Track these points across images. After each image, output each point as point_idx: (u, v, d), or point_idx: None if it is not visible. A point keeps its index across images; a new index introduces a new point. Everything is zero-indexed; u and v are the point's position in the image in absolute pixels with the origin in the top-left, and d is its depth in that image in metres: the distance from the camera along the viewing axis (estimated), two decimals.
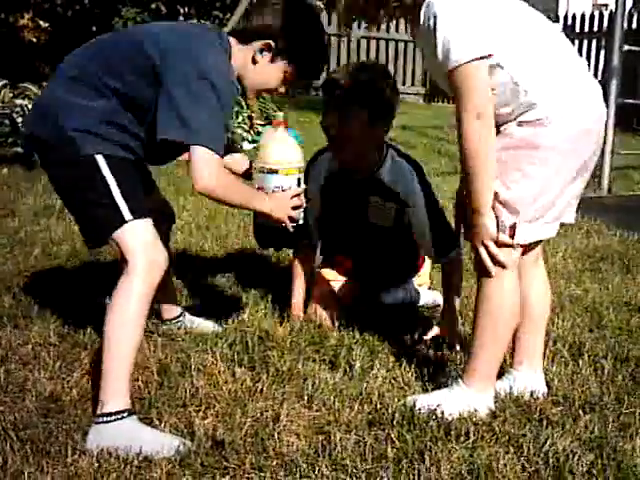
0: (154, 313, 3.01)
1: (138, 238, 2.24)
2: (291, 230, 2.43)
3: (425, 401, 2.34)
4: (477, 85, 2.14)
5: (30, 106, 6.46)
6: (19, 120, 6.44)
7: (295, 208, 2.40)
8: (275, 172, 2.40)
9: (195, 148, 2.14)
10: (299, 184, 2.44)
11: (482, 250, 2.26)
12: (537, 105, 2.18)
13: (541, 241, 2.43)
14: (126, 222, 2.23)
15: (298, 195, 2.42)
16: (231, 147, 2.80)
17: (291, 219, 2.40)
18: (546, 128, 2.17)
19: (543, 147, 2.18)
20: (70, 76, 2.30)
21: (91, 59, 2.31)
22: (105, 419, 2.12)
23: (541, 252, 2.53)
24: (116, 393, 2.16)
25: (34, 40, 6.73)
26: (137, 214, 2.26)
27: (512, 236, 2.23)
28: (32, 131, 2.38)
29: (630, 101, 7.13)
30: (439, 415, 2.27)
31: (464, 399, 2.31)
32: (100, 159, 2.24)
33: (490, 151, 2.18)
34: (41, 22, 6.67)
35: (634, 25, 10.71)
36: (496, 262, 2.25)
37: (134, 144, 2.32)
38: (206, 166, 2.16)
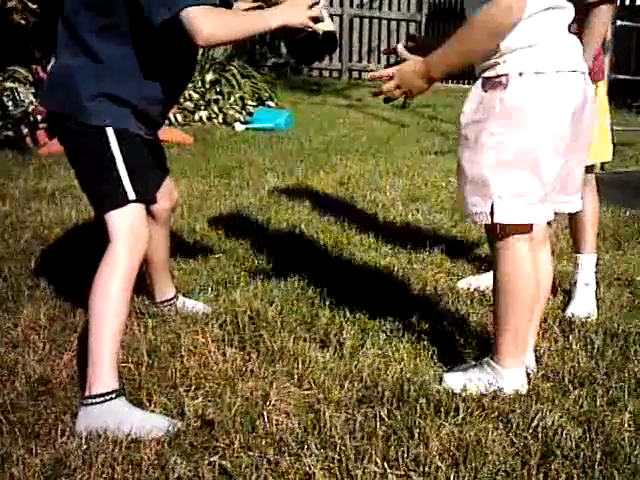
0: (147, 294, 3.01)
1: (126, 220, 2.25)
2: (320, 32, 2.29)
3: (452, 378, 2.37)
4: None
5: (20, 89, 6.43)
6: (9, 104, 6.40)
7: (312, 7, 2.26)
8: None
9: (181, 15, 2.08)
10: None
11: (396, 91, 2.24)
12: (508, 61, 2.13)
13: (549, 224, 2.42)
14: (129, 202, 2.25)
15: None
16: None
17: (314, 20, 2.26)
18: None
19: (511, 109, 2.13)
20: (67, 38, 2.28)
21: (72, 11, 2.28)
22: (93, 401, 2.12)
23: (547, 235, 2.50)
24: (103, 374, 2.16)
25: (22, 22, 6.65)
26: (141, 196, 2.28)
27: (492, 216, 2.20)
28: (49, 106, 2.38)
29: (623, 77, 7.10)
30: (429, 392, 2.28)
31: (491, 376, 2.32)
32: (111, 133, 2.24)
33: (487, 44, 2.11)
34: (29, 4, 6.60)
35: (627, 1, 10.65)
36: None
37: (147, 92, 2.30)
38: (196, 21, 2.08)
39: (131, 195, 2.26)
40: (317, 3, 2.28)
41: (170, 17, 2.09)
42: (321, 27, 2.29)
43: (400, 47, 2.30)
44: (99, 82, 2.23)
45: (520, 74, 2.12)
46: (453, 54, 2.15)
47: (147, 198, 2.40)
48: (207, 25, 2.10)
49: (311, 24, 2.26)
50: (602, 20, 2.88)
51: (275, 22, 2.23)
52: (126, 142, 2.27)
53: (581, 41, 2.36)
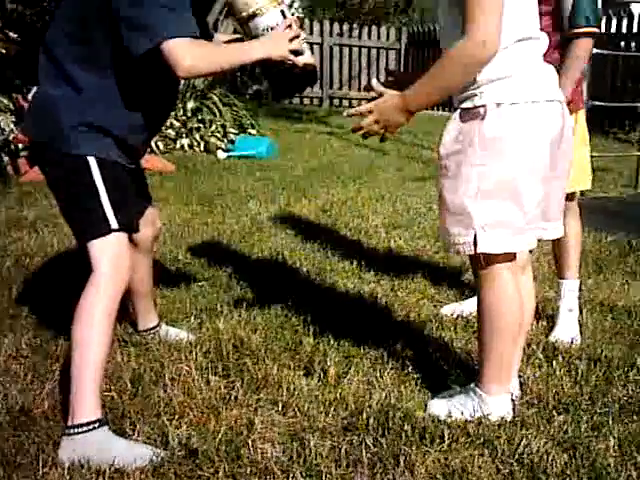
0: (130, 323, 2.99)
1: (109, 249, 2.24)
2: (300, 64, 2.31)
3: (437, 405, 2.37)
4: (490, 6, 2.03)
5: (0, 117, 6.41)
6: None
7: (292, 40, 2.28)
8: (255, 15, 2.29)
9: (162, 46, 2.09)
10: (284, 15, 2.31)
11: (375, 126, 2.24)
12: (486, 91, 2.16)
13: (531, 251, 2.43)
14: (112, 231, 2.24)
15: (290, 27, 2.29)
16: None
17: (295, 53, 2.29)
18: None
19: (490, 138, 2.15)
20: (48, 67, 2.29)
21: (53, 41, 2.29)
22: (76, 430, 2.10)
23: (529, 259, 2.52)
24: (86, 403, 2.13)
25: (3, 51, 6.66)
26: (123, 225, 2.27)
27: (475, 246, 2.21)
28: (32, 136, 2.38)
29: (600, 104, 7.19)
30: (414, 419, 2.27)
31: (477, 402, 2.32)
32: (93, 163, 2.24)
33: (463, 77, 2.13)
34: (10, 33, 6.60)
35: (603, 28, 10.83)
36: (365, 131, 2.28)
37: (129, 121, 2.30)
38: (176, 52, 2.09)
39: (114, 224, 2.25)
40: (298, 36, 2.31)
41: (151, 48, 2.10)
42: (301, 60, 2.32)
43: (375, 82, 2.32)
44: (80, 111, 2.23)
45: (497, 105, 2.14)
46: (430, 87, 2.17)
47: (130, 227, 2.39)
48: (188, 57, 2.11)
49: (292, 57, 2.29)
50: (583, 51, 2.91)
51: (256, 55, 2.26)
52: (108, 171, 2.27)
53: (559, 72, 2.39)
